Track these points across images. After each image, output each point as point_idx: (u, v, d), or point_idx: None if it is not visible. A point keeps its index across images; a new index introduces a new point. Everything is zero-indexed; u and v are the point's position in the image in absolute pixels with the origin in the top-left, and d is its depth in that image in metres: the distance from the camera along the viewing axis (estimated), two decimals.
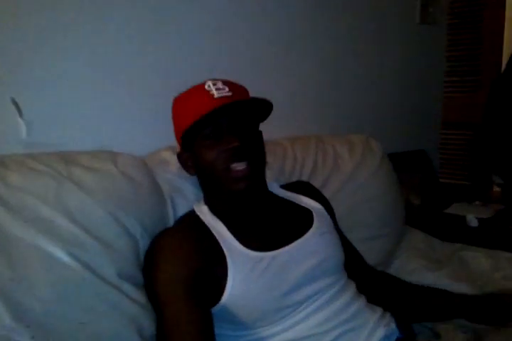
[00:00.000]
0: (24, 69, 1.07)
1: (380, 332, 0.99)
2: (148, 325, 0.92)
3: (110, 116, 1.22)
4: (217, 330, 0.90)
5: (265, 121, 1.06)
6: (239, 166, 0.94)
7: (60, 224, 0.86)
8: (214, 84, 0.97)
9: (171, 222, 1.08)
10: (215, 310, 0.90)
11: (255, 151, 0.99)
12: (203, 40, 1.41)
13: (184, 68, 1.36)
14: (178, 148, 1.08)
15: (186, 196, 1.12)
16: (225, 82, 0.99)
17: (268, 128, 1.07)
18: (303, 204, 1.11)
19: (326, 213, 1.13)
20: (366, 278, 1.17)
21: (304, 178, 1.36)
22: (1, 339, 0.76)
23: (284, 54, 1.66)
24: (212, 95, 0.96)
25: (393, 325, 1.03)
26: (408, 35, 2.19)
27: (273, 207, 1.07)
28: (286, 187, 1.17)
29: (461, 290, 1.36)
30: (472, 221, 1.85)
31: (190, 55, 1.38)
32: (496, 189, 2.33)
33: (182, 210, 1.09)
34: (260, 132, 1.05)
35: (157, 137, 1.25)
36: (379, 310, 1.05)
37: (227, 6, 1.46)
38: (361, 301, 1.04)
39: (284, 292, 0.93)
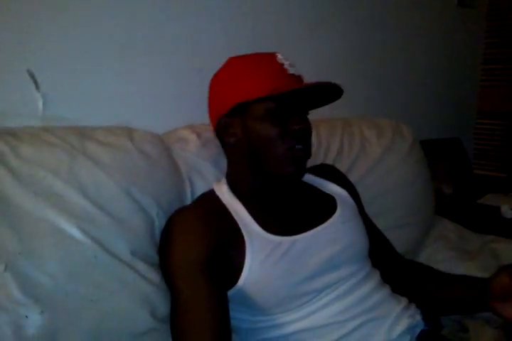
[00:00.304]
0: (42, 40, 1.04)
1: (404, 323, 0.94)
2: (162, 306, 0.89)
3: (129, 92, 1.19)
4: (234, 314, 0.88)
5: None
6: (301, 149, 0.91)
7: (71, 199, 0.84)
8: (286, 59, 0.94)
9: (188, 201, 1.05)
10: (231, 292, 0.87)
11: (310, 137, 0.96)
12: (226, 17, 1.37)
13: (207, 46, 1.32)
14: (214, 111, 0.99)
15: (205, 176, 1.09)
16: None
17: None
18: (326, 191, 1.07)
19: (350, 199, 1.09)
20: (395, 265, 1.12)
21: (329, 162, 1.31)
22: (9, 313, 0.74)
23: (311, 34, 1.60)
24: (286, 70, 0.92)
25: (418, 317, 0.98)
26: (445, 17, 2.10)
27: (296, 191, 1.03)
28: (310, 170, 1.11)
29: None
30: (507, 212, 1.78)
31: (212, 33, 1.34)
32: None
33: (199, 189, 1.06)
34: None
35: (176, 115, 1.23)
36: (404, 301, 1.00)
37: None
38: (385, 290, 0.99)
39: (303, 278, 0.89)
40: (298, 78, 0.93)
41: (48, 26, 1.05)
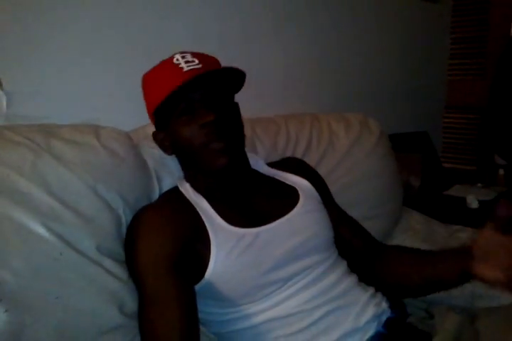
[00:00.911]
0: (6, 39, 1.03)
1: (371, 311, 0.96)
2: (130, 302, 0.90)
3: (95, 89, 1.19)
4: (202, 307, 0.89)
5: (259, 98, 1.02)
6: (217, 144, 0.91)
7: (36, 197, 0.83)
8: (183, 57, 0.93)
9: (156, 198, 1.05)
10: (199, 286, 0.88)
11: (232, 125, 0.95)
12: (193, 18, 1.37)
13: (173, 45, 1.30)
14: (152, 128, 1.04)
15: (172, 172, 1.09)
16: (195, 54, 0.95)
17: (262, 106, 1.04)
18: (288, 182, 1.08)
19: (313, 190, 1.10)
20: (373, 251, 1.11)
21: (298, 156, 1.33)
22: None
23: (279, 29, 1.61)
24: (182, 68, 0.92)
25: (385, 305, 1.00)
26: (409, 12, 2.14)
27: (256, 185, 1.04)
28: (273, 164, 1.14)
29: None
30: (473, 202, 1.82)
31: (179, 33, 1.34)
32: (501, 172, 2.30)
33: (167, 186, 1.06)
34: (236, 104, 1.01)
35: (144, 112, 1.22)
36: (370, 289, 1.02)
37: None
38: (351, 279, 1.01)
39: (268, 269, 0.90)
40: (195, 71, 0.91)
41: (12, 25, 1.04)
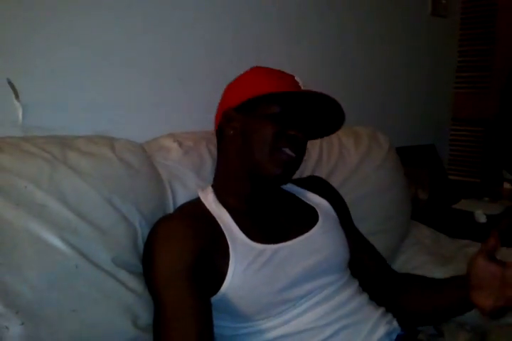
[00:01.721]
0: (22, 49, 1.03)
1: (382, 329, 0.96)
2: (144, 315, 0.90)
3: (110, 101, 1.19)
4: (216, 321, 0.88)
5: None
6: (289, 153, 0.94)
7: (53, 209, 0.84)
8: (300, 82, 1.02)
9: (171, 210, 1.05)
10: (214, 299, 0.88)
11: (305, 151, 1.00)
12: (206, 28, 1.37)
13: (186, 56, 1.33)
14: (225, 105, 1.03)
15: (186, 184, 1.09)
16: None
17: None
18: (308, 201, 1.09)
19: (332, 210, 1.11)
20: (383, 276, 1.13)
21: (309, 170, 1.33)
22: None
23: (290, 42, 1.62)
24: (300, 86, 1.00)
25: (395, 323, 1.01)
26: (420, 26, 2.15)
27: (280, 201, 1.05)
28: (295, 181, 1.15)
29: None
30: (480, 217, 1.82)
31: (192, 44, 1.34)
32: (507, 186, 2.30)
33: (182, 199, 1.06)
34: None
35: (157, 124, 1.23)
36: (381, 308, 1.03)
37: None
38: (363, 298, 1.02)
39: (283, 287, 0.91)
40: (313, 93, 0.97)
41: (28, 36, 1.04)
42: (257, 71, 1.04)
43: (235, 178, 1.00)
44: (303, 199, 1.10)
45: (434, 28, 2.23)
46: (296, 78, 1.02)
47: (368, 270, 1.11)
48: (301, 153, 0.98)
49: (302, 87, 1.01)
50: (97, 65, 1.16)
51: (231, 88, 1.05)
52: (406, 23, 2.07)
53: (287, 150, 0.94)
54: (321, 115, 1.01)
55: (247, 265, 0.89)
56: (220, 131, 1.03)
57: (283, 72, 1.03)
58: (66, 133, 1.02)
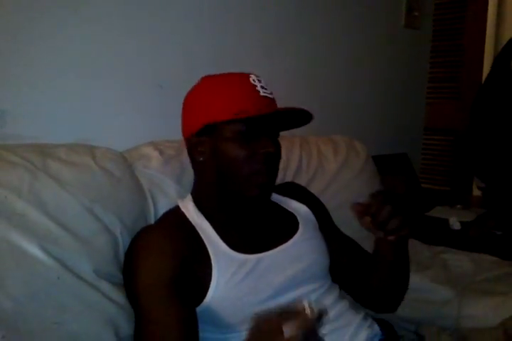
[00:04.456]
0: (1, 58, 1.02)
1: (364, 334, 0.98)
2: (126, 326, 0.88)
3: (90, 108, 1.18)
4: (200, 333, 0.87)
5: None
6: (266, 173, 0.92)
7: (33, 219, 0.82)
8: (259, 81, 0.93)
9: (152, 219, 1.05)
10: (199, 310, 0.87)
11: (278, 161, 0.97)
12: (185, 35, 1.38)
13: (166, 63, 1.33)
14: (185, 128, 0.98)
15: (168, 193, 1.09)
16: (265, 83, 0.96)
17: None
18: (288, 208, 1.09)
19: (311, 215, 1.11)
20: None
21: (289, 178, 1.34)
22: None
23: (266, 56, 1.64)
24: (258, 92, 0.91)
25: (376, 327, 1.03)
26: (393, 37, 2.20)
27: (260, 210, 1.04)
28: (274, 189, 1.14)
29: (442, 293, 1.37)
30: (455, 224, 1.86)
31: (172, 51, 1.35)
32: (476, 193, 2.36)
33: (163, 207, 1.06)
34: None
35: (138, 132, 1.22)
36: (362, 312, 1.04)
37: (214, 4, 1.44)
38: (344, 303, 1.03)
39: (267, 296, 0.91)
40: (269, 100, 0.93)
41: (6, 43, 1.03)
42: (208, 86, 0.96)
43: (212, 197, 0.98)
44: (282, 205, 1.09)
45: (407, 39, 2.28)
46: (251, 78, 0.93)
47: (349, 271, 1.11)
48: (275, 165, 0.96)
49: (260, 86, 0.92)
50: (75, 73, 1.15)
51: (188, 110, 0.97)
52: (380, 35, 2.11)
53: (262, 171, 0.91)
54: (286, 118, 0.96)
55: (230, 276, 0.89)
56: (190, 154, 0.99)
57: (238, 76, 0.94)
58: (46, 141, 1.00)
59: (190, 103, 0.97)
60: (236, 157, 0.90)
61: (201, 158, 0.95)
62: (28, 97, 1.07)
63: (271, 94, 0.94)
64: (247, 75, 0.94)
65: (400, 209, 0.87)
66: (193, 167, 1.02)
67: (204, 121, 0.92)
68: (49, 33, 1.10)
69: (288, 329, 0.59)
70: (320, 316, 0.62)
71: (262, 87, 0.92)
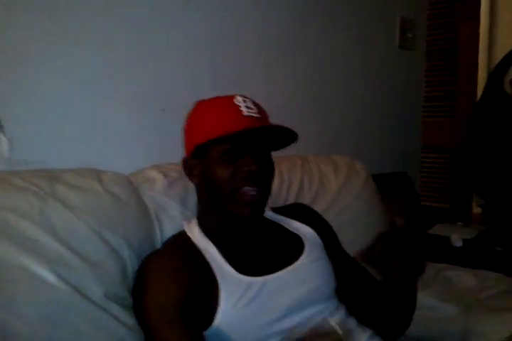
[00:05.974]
0: (7, 83, 1.04)
1: None
2: None
3: (95, 133, 1.21)
4: None
5: None
6: (250, 191, 0.92)
7: (44, 243, 0.84)
8: (244, 101, 0.96)
9: (159, 242, 1.06)
10: (208, 332, 0.88)
11: (268, 178, 0.98)
12: (188, 60, 1.42)
13: (169, 88, 1.36)
14: (185, 152, 1.03)
15: (173, 215, 1.10)
16: (255, 103, 0.98)
17: None
18: (293, 230, 1.09)
19: (317, 237, 1.10)
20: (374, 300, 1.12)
21: (291, 198, 1.35)
22: None
23: (266, 78, 1.67)
24: (241, 112, 0.94)
25: None
26: (388, 58, 2.24)
27: (265, 231, 1.05)
28: (278, 210, 1.15)
29: (448, 310, 1.36)
30: (456, 241, 1.86)
31: (175, 76, 1.38)
32: (476, 210, 2.37)
33: (169, 230, 1.07)
34: (272, 160, 1.01)
35: (142, 155, 1.24)
36: (369, 331, 1.04)
37: (211, 26, 1.48)
38: (352, 322, 1.02)
39: (276, 318, 0.91)
40: (254, 119, 0.94)
41: (12, 68, 1.05)
42: (199, 110, 1.01)
43: (213, 217, 1.00)
44: (287, 227, 1.10)
45: (402, 60, 2.33)
46: (236, 99, 0.96)
47: (355, 294, 1.11)
48: (262, 182, 0.95)
49: (244, 106, 0.95)
50: (82, 98, 1.18)
51: (185, 134, 1.03)
52: (375, 56, 2.16)
53: (247, 188, 0.92)
54: (272, 136, 0.97)
55: (238, 299, 0.89)
56: (187, 176, 1.03)
57: (224, 99, 0.98)
58: (53, 167, 1.02)
59: (186, 127, 1.03)
60: (220, 176, 0.93)
61: (196, 180, 1.00)
62: (34, 123, 1.09)
63: (258, 113, 0.96)
64: (231, 97, 0.97)
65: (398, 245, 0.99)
66: (196, 190, 1.05)
67: (194, 143, 0.97)
68: (56, 56, 1.12)
69: None
70: (348, 335, 0.63)
71: (247, 107, 0.95)
